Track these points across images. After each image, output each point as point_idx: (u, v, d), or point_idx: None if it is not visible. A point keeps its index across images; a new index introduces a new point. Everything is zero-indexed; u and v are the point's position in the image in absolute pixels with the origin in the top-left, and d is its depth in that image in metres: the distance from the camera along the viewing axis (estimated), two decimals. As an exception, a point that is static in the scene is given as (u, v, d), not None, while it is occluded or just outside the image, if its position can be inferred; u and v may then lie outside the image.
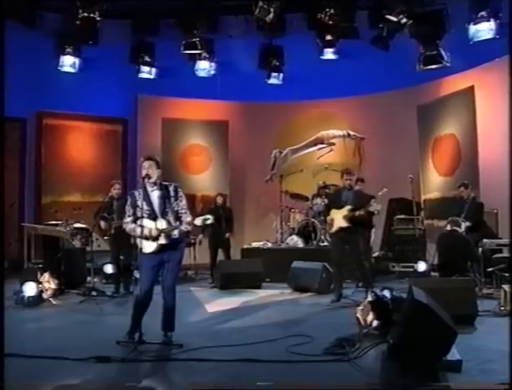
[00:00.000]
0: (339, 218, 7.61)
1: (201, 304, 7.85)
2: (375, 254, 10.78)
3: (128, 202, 5.21)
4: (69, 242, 8.75)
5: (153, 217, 5.08)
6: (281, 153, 12.06)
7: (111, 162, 12.65)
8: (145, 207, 5.07)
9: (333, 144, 11.92)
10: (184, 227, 5.01)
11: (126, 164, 12.77)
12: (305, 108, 13.10)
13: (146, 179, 5.14)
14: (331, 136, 11.90)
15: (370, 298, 5.72)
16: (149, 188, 5.16)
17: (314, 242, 10.47)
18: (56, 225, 8.89)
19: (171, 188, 5.18)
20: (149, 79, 12.11)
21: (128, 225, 5.17)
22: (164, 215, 5.08)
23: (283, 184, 11.38)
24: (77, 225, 8.89)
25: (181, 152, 13.05)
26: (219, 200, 10.29)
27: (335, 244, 7.86)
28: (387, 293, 5.77)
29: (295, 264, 9.11)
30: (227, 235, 10.15)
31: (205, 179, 13.13)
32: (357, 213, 7.48)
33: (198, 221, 5.12)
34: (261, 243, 10.79)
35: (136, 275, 8.40)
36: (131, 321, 5.19)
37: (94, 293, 8.15)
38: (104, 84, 11.93)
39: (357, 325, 5.66)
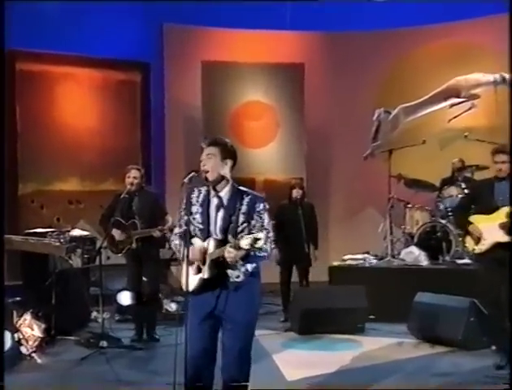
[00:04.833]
0: (492, 228, 7.15)
1: (273, 364, 7.53)
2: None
3: (183, 203, 5.05)
4: (64, 260, 8.75)
5: (205, 236, 4.93)
6: (389, 113, 11.52)
7: (125, 131, 12.73)
8: (198, 219, 4.94)
9: (477, 96, 11.22)
10: (232, 246, 4.64)
11: (148, 133, 12.91)
12: (427, 37, 12.83)
13: (199, 177, 4.92)
14: (474, 83, 11.20)
15: None
16: (211, 191, 4.98)
17: (447, 258, 10.11)
18: (43, 235, 8.84)
19: (246, 200, 4.89)
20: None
21: (174, 240, 5.17)
22: (222, 236, 4.87)
23: (392, 164, 10.99)
24: (76, 232, 9.05)
25: (232, 114, 13.03)
26: (297, 193, 9.78)
27: (488, 270, 7.36)
28: None
29: (420, 297, 8.66)
30: (315, 252, 9.87)
31: (268, 155, 13.13)
32: None
33: (244, 242, 4.71)
34: (359, 257, 10.56)
35: (170, 306, 9.21)
36: None
37: (104, 343, 7.85)
38: (111, 9, 12.00)
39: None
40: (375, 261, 10.42)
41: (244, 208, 4.82)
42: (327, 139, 13.23)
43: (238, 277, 4.80)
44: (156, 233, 8.01)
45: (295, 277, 9.99)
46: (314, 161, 12.91)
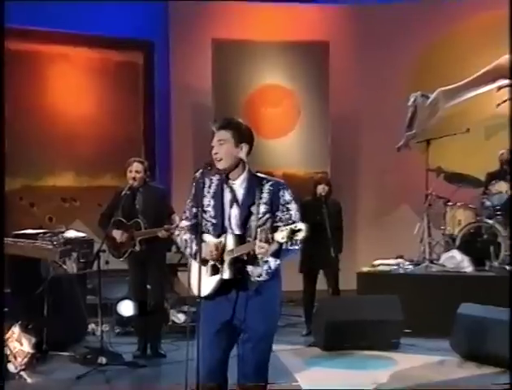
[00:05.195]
0: None
1: (295, 383, 7.45)
2: None
3: (191, 195, 5.01)
4: (57, 265, 8.70)
5: (218, 231, 4.85)
6: (426, 98, 11.30)
7: (126, 119, 12.81)
8: (210, 213, 4.87)
9: (530, 78, 11.39)
10: (264, 240, 4.49)
11: (152, 121, 12.97)
12: (472, 8, 12.80)
13: (207, 168, 4.88)
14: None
15: None
16: (224, 180, 4.93)
17: (496, 264, 10.01)
18: (34, 237, 8.87)
19: (267, 187, 4.75)
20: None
21: (181, 234, 5.10)
22: (240, 231, 4.79)
23: (430, 156, 10.96)
24: (71, 234, 9.10)
25: (247, 100, 13.04)
26: (322, 189, 9.75)
27: None
28: None
29: (464, 308, 8.48)
30: (338, 256, 9.75)
31: (288, 146, 13.17)
32: None
33: (280, 235, 4.57)
34: (391, 262, 10.50)
35: (177, 317, 9.23)
36: None
37: (102, 360, 7.79)
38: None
39: None
40: (410, 267, 10.34)
41: (265, 196, 4.72)
42: (354, 127, 13.27)
43: (260, 276, 4.70)
44: (162, 233, 7.95)
45: (319, 285, 9.97)
46: (340, 152, 12.89)
